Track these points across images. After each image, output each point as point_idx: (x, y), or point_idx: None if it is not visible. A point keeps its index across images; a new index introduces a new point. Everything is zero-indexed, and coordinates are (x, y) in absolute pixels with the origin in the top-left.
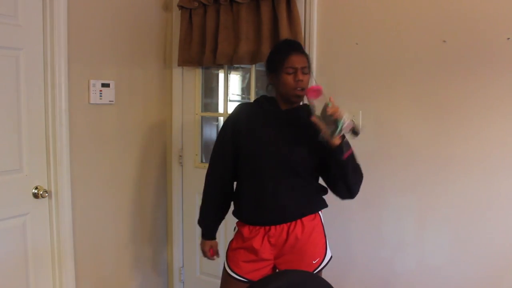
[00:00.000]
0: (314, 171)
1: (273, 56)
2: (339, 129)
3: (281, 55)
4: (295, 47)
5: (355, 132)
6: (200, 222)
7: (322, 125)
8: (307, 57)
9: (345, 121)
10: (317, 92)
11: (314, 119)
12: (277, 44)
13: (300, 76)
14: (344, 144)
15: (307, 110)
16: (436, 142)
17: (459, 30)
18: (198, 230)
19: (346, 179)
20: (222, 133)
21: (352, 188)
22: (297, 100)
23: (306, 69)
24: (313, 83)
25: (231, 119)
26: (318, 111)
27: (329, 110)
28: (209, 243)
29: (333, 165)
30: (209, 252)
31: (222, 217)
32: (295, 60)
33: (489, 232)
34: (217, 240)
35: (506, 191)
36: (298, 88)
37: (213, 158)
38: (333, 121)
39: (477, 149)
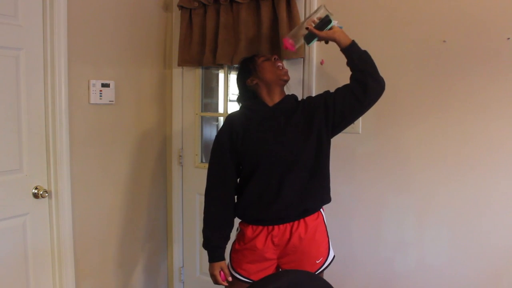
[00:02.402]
0: (314, 159)
1: (244, 64)
2: (332, 21)
3: (251, 57)
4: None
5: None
6: (208, 244)
7: (319, 28)
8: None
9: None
10: (291, 45)
11: (309, 27)
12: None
13: (279, 62)
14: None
15: (292, 100)
16: (436, 141)
17: (459, 30)
18: (198, 230)
19: (363, 63)
20: (218, 147)
21: (375, 75)
22: (287, 78)
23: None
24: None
25: (225, 131)
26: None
27: (312, 19)
28: (218, 265)
29: (347, 59)
30: (220, 276)
31: (228, 236)
32: (267, 54)
33: (489, 232)
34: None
35: (506, 191)
36: (281, 65)
37: (212, 175)
38: (321, 22)
39: (476, 148)
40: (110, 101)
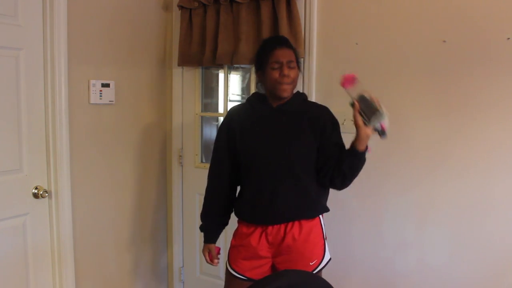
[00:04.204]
0: (311, 167)
1: (259, 53)
2: (383, 115)
3: (266, 50)
4: (280, 41)
5: (383, 132)
6: (201, 227)
7: (362, 110)
8: (294, 51)
9: (386, 114)
10: (353, 80)
11: (356, 105)
12: (263, 40)
13: (286, 71)
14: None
15: (299, 101)
16: (436, 142)
17: (459, 30)
18: (198, 230)
19: (352, 173)
20: (217, 140)
21: (348, 182)
22: (284, 95)
23: (293, 64)
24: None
25: (224, 124)
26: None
27: (373, 98)
28: (207, 246)
29: (346, 155)
30: (208, 256)
31: (222, 223)
32: (280, 54)
33: (489, 232)
34: (216, 244)
35: (507, 191)
36: (284, 83)
37: (212, 165)
38: (374, 109)
39: (477, 148)
40: (110, 101)
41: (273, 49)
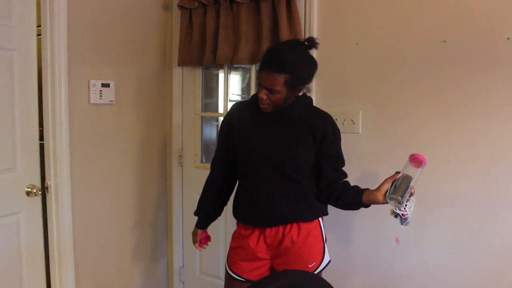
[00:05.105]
0: (309, 172)
1: (262, 58)
2: (400, 205)
3: (261, 63)
4: (272, 63)
5: (404, 220)
6: (195, 212)
7: (395, 184)
8: (288, 75)
9: (411, 205)
10: (420, 163)
11: (397, 176)
12: (270, 47)
13: (261, 94)
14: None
15: (302, 105)
16: (436, 142)
17: (459, 30)
18: None
19: (343, 207)
20: (220, 133)
21: (334, 206)
22: (263, 111)
23: (276, 90)
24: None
25: (225, 119)
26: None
27: (412, 189)
28: (195, 230)
29: (350, 193)
30: (193, 239)
31: (214, 212)
32: (263, 78)
33: (489, 232)
34: (209, 235)
35: (507, 192)
36: (259, 103)
37: (213, 157)
38: (401, 194)
39: (477, 149)
40: (110, 101)
41: (262, 68)
